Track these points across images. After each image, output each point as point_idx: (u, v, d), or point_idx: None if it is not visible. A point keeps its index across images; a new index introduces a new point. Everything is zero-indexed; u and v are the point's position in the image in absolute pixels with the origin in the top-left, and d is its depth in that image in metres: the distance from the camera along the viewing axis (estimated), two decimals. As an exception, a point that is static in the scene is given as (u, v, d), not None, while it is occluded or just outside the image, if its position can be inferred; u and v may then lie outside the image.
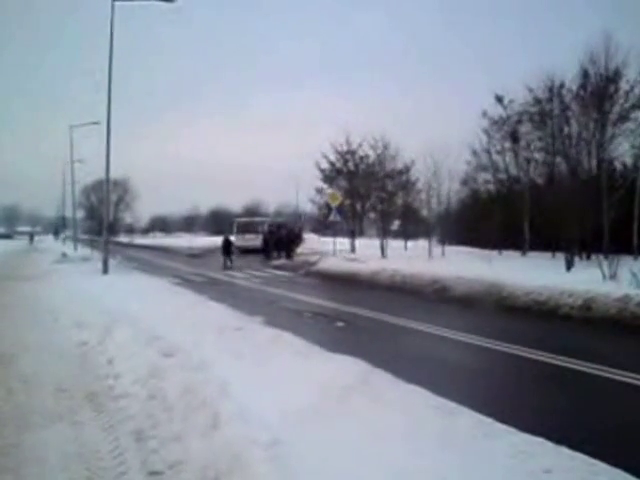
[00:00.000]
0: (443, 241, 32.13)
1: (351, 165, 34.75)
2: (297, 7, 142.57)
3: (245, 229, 40.63)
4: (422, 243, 32.11)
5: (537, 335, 10.23)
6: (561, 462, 3.88)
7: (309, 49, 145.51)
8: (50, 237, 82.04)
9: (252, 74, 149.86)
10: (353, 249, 31.43)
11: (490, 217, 29.77)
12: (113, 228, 67.25)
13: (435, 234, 33.57)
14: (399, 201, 33.56)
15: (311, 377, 5.63)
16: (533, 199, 28.93)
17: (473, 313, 13.14)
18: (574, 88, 27.51)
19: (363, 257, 25.60)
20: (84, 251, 36.39)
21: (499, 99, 31.18)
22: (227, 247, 27.85)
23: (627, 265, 14.46)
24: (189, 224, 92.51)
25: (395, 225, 35.54)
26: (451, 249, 30.51)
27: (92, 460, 4.36)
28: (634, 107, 26.20)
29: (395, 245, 31.83)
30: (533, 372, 7.69)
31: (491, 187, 34.52)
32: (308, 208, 47.00)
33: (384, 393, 5.20)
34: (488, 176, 33.80)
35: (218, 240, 44.27)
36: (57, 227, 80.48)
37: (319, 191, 35.64)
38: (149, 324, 8.77)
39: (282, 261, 29.59)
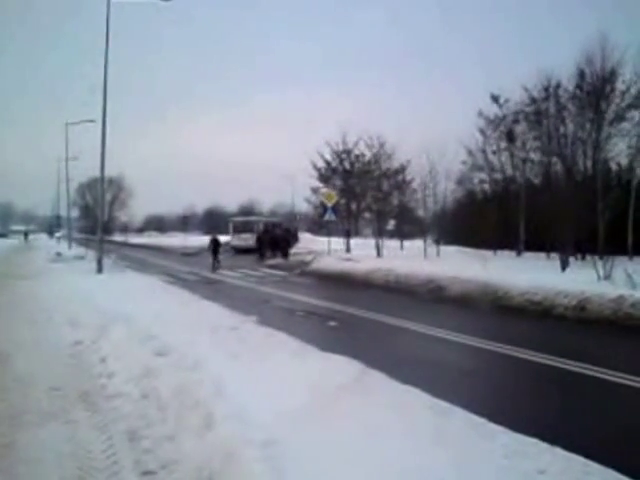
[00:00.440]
0: (438, 241, 32.21)
1: (347, 164, 34.74)
2: (297, 6, 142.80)
3: (241, 228, 40.63)
4: (417, 243, 32.16)
5: (531, 335, 10.24)
6: (555, 463, 3.88)
7: (307, 48, 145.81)
8: (44, 236, 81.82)
9: (249, 73, 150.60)
10: (348, 249, 31.44)
11: (485, 217, 29.90)
12: (108, 227, 67.16)
13: (431, 234, 33.64)
14: (395, 201, 33.60)
15: (305, 377, 5.62)
16: (529, 199, 29.05)
17: (468, 313, 13.15)
18: (570, 88, 27.65)
19: (358, 257, 25.61)
20: (78, 250, 36.26)
21: (495, 98, 31.31)
22: (215, 247, 26.84)
23: (622, 266, 14.48)
24: (184, 223, 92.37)
25: (391, 225, 35.58)
26: (446, 249, 30.58)
27: (85, 459, 4.33)
28: (630, 107, 26.31)
29: (391, 245, 31.88)
30: (527, 373, 7.70)
31: (487, 187, 34.72)
32: (304, 208, 47.00)
33: (378, 393, 5.19)
34: (484, 176, 34.00)
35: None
36: (52, 226, 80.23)
37: (315, 190, 35.64)
38: (143, 323, 8.73)
39: (277, 260, 29.57)
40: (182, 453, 4.20)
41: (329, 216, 27.38)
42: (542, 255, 25.55)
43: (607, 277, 14.27)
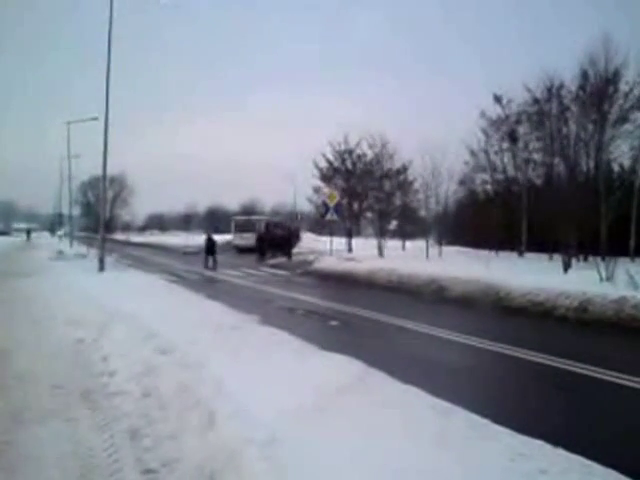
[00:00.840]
0: (440, 241, 32.16)
1: (349, 164, 34.72)
2: (297, 6, 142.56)
3: (243, 228, 40.61)
4: (419, 243, 32.12)
5: (533, 336, 10.23)
6: (557, 463, 3.87)
7: (308, 48, 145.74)
8: (47, 234, 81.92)
9: (251, 72, 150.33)
10: (350, 249, 31.42)
11: (488, 218, 29.86)
12: (109, 225, 67.21)
13: (432, 234, 33.60)
14: (397, 201, 33.56)
15: (307, 376, 5.61)
16: (531, 200, 29.00)
17: (469, 314, 13.14)
18: (573, 89, 27.58)
19: (360, 257, 25.61)
20: (80, 248, 36.30)
21: (498, 99, 31.25)
22: (210, 246, 26.10)
23: (624, 267, 14.46)
24: (186, 222, 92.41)
25: (393, 225, 35.52)
26: (448, 249, 30.56)
27: (86, 458, 4.33)
28: (633, 108, 26.24)
29: (392, 245, 31.84)
30: (529, 373, 7.69)
31: (489, 187, 34.65)
32: (305, 207, 47.01)
33: (380, 393, 5.18)
34: (486, 176, 33.92)
35: (215, 238, 44.31)
36: (54, 224, 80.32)
37: (316, 190, 35.62)
38: (145, 322, 8.73)
39: (279, 260, 29.55)
40: (183, 452, 4.20)
41: (331, 216, 27.34)
42: (544, 256, 25.51)
43: (609, 278, 14.25)
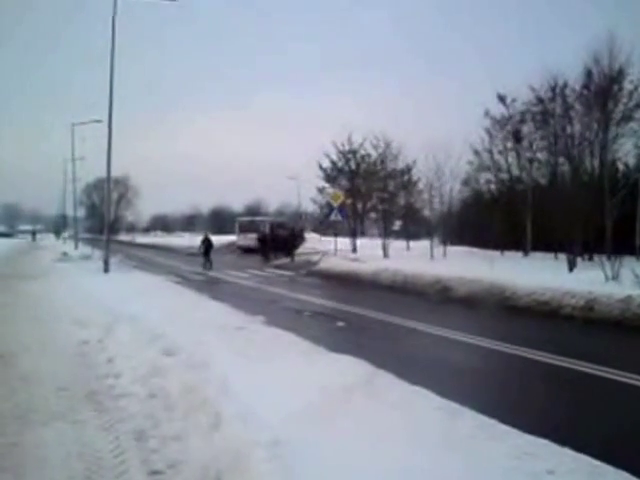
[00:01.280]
0: (445, 241, 32.08)
1: (353, 164, 34.72)
2: (300, 6, 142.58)
3: (247, 228, 40.66)
4: (424, 243, 32.05)
5: (539, 336, 10.20)
6: (565, 463, 3.85)
7: (312, 48, 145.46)
8: (51, 236, 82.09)
9: (254, 73, 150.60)
10: (354, 249, 31.40)
11: (492, 217, 29.78)
12: (114, 227, 67.29)
13: (437, 234, 33.52)
14: (401, 201, 33.53)
15: (313, 377, 5.60)
16: (535, 199, 28.90)
17: (475, 314, 13.11)
18: (577, 88, 27.45)
19: (364, 257, 25.59)
20: (85, 250, 36.38)
21: (501, 98, 31.14)
22: (207, 247, 25.89)
23: (629, 266, 14.40)
24: (190, 223, 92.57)
25: (397, 225, 35.46)
26: (453, 249, 30.49)
27: (92, 459, 4.32)
28: (638, 107, 26.13)
29: (397, 245, 31.79)
30: (536, 373, 7.66)
31: (493, 187, 34.52)
32: (310, 208, 46.99)
33: (387, 394, 5.17)
34: (490, 176, 33.79)
35: (220, 239, 44.37)
36: (58, 226, 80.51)
37: (320, 190, 35.64)
38: (150, 323, 8.74)
39: (283, 261, 29.55)
40: (189, 453, 4.19)
41: (336, 216, 27.31)
42: (549, 255, 25.43)
43: (615, 277, 14.20)
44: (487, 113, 31.77)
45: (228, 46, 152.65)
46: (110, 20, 19.81)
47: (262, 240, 33.68)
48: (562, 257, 21.94)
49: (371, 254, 27.41)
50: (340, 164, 34.95)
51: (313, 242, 38.31)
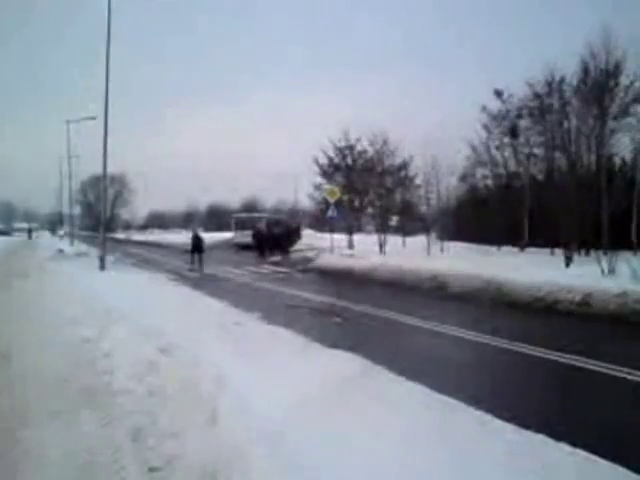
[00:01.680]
0: (442, 237, 32.11)
1: (349, 160, 34.69)
2: (297, 4, 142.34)
3: (243, 225, 40.60)
4: (421, 239, 32.07)
5: (536, 331, 10.21)
6: (561, 458, 3.87)
7: (309, 46, 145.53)
8: (47, 233, 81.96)
9: (251, 71, 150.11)
10: (351, 245, 31.39)
11: (489, 213, 29.81)
12: (110, 224, 67.23)
13: (434, 230, 33.56)
14: (398, 197, 33.54)
15: (310, 373, 5.60)
16: (532, 195, 28.94)
17: (472, 309, 13.10)
18: (574, 82, 27.47)
19: (361, 253, 25.59)
20: (81, 247, 36.30)
21: (498, 93, 31.17)
22: (196, 245, 24.58)
23: (626, 261, 14.42)
24: (187, 220, 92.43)
25: (393, 221, 35.47)
26: (450, 245, 30.50)
27: (89, 456, 4.31)
28: (634, 102, 26.18)
29: (393, 241, 31.80)
30: (532, 369, 7.67)
31: (490, 183, 34.57)
32: (306, 204, 46.97)
33: (383, 389, 5.17)
34: (487, 172, 33.84)
35: (216, 236, 44.36)
36: (54, 223, 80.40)
37: (317, 187, 35.59)
38: (147, 320, 8.73)
39: (279, 257, 29.52)
40: (187, 449, 4.18)
41: (332, 213, 27.27)
42: (546, 251, 25.47)
43: (611, 272, 14.23)
44: (484, 108, 31.83)
45: (227, 45, 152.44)
46: (107, 17, 19.74)
47: (257, 237, 33.52)
48: (559, 252, 21.99)
49: (368, 250, 27.41)
50: (337, 160, 34.92)
51: (309, 238, 38.30)
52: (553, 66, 27.99)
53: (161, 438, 4.48)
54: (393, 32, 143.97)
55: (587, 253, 23.84)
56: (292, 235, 34.84)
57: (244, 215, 46.40)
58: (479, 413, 4.70)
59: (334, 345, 7.20)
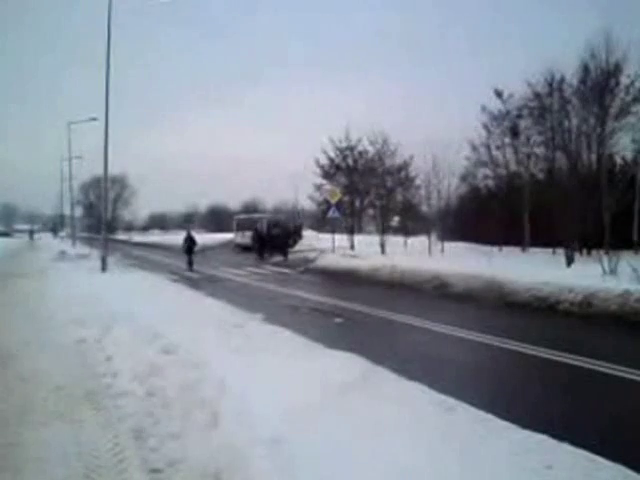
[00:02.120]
0: (443, 237, 32.08)
1: (350, 161, 34.70)
2: (298, 5, 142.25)
3: (245, 226, 40.58)
4: (422, 239, 32.06)
5: (538, 331, 10.21)
6: (563, 458, 3.86)
7: (308, 45, 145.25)
8: (48, 235, 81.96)
9: (251, 70, 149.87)
10: (352, 246, 31.37)
11: (490, 213, 29.80)
12: (111, 225, 67.12)
13: (435, 230, 33.54)
14: (398, 197, 33.53)
15: (311, 374, 5.59)
16: (533, 194, 28.93)
17: (473, 309, 13.10)
18: (574, 82, 27.48)
19: (362, 254, 25.59)
20: (82, 249, 36.31)
21: (498, 94, 31.19)
22: (190, 245, 25.03)
23: (627, 260, 14.41)
24: (187, 221, 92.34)
25: (394, 221, 35.46)
26: (451, 245, 30.50)
27: (91, 458, 4.31)
28: (635, 101, 26.17)
29: (394, 241, 31.78)
30: (534, 369, 7.67)
31: (491, 183, 34.57)
32: (307, 205, 46.94)
33: (384, 390, 5.17)
34: (488, 171, 33.84)
35: (217, 237, 44.37)
36: (55, 225, 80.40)
37: (318, 187, 35.58)
38: (148, 321, 8.72)
39: (280, 258, 29.51)
40: (188, 451, 4.18)
41: (333, 213, 27.26)
42: (547, 251, 25.46)
43: (613, 272, 14.21)
44: (484, 108, 31.86)
45: (225, 44, 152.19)
46: (107, 18, 19.78)
47: (257, 237, 33.35)
48: (560, 252, 21.97)
49: (369, 250, 27.42)
50: (337, 161, 34.92)
51: (311, 239, 38.27)
52: (553, 66, 28.03)
53: (163, 440, 4.48)
54: (394, 33, 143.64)
55: (588, 253, 23.84)
56: (293, 236, 34.78)
57: (246, 216, 46.37)
58: (481, 413, 4.70)
59: (336, 346, 7.20)
